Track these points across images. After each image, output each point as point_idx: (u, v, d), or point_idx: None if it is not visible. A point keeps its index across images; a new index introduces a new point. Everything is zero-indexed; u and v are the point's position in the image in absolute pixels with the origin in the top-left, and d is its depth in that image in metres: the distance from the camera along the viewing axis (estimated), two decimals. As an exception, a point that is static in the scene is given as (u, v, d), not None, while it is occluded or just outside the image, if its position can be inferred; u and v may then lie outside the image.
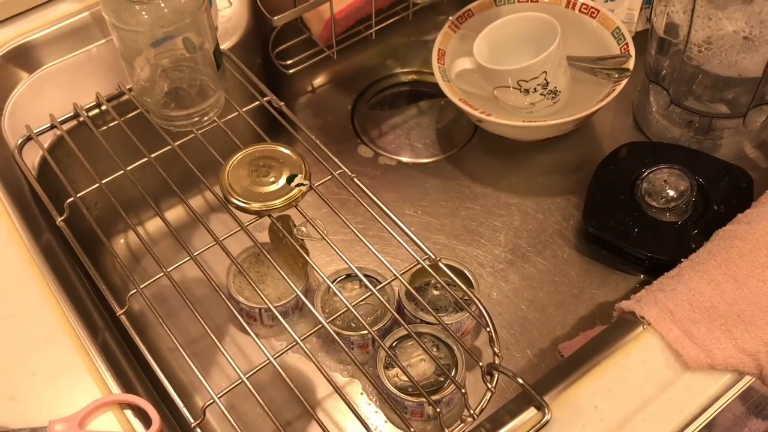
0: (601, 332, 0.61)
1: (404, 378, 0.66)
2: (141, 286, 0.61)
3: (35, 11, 0.82)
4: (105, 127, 0.74)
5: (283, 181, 0.64)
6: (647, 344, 0.59)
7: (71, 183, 0.68)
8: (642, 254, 0.76)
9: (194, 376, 0.56)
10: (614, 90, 0.80)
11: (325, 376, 0.56)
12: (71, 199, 0.66)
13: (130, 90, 0.74)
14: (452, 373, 0.65)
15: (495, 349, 0.57)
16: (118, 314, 0.59)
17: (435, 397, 0.64)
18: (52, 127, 0.73)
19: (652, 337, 0.59)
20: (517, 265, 0.80)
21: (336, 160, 0.68)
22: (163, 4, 0.62)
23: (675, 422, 0.55)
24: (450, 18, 0.90)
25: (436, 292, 0.72)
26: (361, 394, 0.71)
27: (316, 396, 0.71)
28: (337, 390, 0.56)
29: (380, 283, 0.70)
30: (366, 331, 0.67)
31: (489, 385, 0.55)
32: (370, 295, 0.63)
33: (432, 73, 0.86)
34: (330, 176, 0.68)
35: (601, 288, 0.77)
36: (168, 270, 0.61)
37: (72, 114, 0.74)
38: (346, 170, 0.67)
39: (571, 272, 0.79)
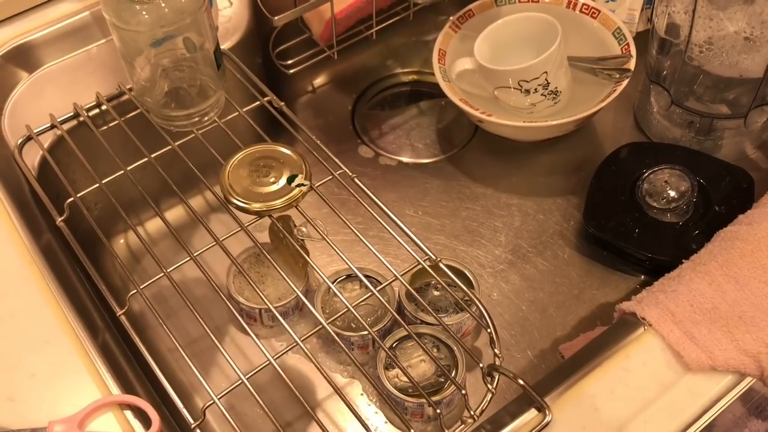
0: (601, 333, 0.61)
1: (404, 379, 0.66)
2: (141, 287, 0.61)
3: (35, 11, 0.82)
4: (105, 127, 0.74)
5: (283, 181, 0.63)
6: (648, 345, 0.59)
7: (71, 183, 0.68)
8: (643, 255, 0.76)
9: (194, 377, 0.56)
10: (615, 90, 0.80)
11: (325, 377, 0.56)
12: (71, 199, 0.66)
13: (130, 90, 0.74)
14: (452, 374, 0.65)
15: (495, 350, 0.57)
16: (118, 315, 0.59)
17: (435, 398, 0.64)
18: (52, 127, 0.73)
19: (653, 338, 0.59)
20: (517, 266, 0.80)
21: (336, 160, 0.68)
22: (163, 4, 0.62)
23: (676, 423, 0.55)
24: (451, 18, 0.90)
25: (436, 293, 0.72)
26: (362, 394, 0.71)
27: (316, 397, 0.71)
28: (337, 391, 0.55)
29: (380, 283, 0.70)
30: (366, 332, 0.67)
31: (489, 386, 0.55)
32: (370, 296, 0.63)
33: (432, 74, 0.86)
34: (330, 176, 0.68)
35: (601, 289, 0.77)
36: (168, 270, 0.61)
37: (72, 114, 0.74)
38: (347, 170, 0.67)
39: (572, 273, 0.79)
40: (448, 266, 0.62)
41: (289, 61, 0.93)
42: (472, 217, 0.84)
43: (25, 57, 0.79)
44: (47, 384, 0.57)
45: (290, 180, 0.63)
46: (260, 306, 0.71)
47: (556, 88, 0.81)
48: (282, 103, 0.74)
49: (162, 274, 0.61)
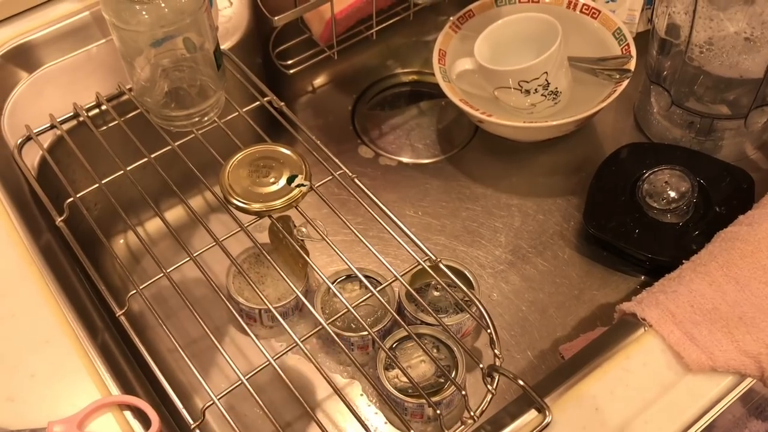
0: (602, 334, 0.61)
1: (404, 379, 0.65)
2: (141, 287, 0.61)
3: (35, 11, 0.82)
4: (105, 127, 0.74)
5: (283, 181, 0.63)
6: (648, 346, 0.59)
7: (71, 183, 0.68)
8: (643, 255, 0.76)
9: (194, 377, 0.56)
10: (615, 91, 0.80)
11: (325, 378, 0.56)
12: (71, 200, 0.66)
13: (130, 90, 0.74)
14: (452, 375, 0.65)
15: (495, 350, 0.57)
16: (117, 315, 0.59)
17: (435, 399, 0.64)
18: (52, 127, 0.73)
19: (654, 338, 0.59)
20: (517, 266, 0.80)
21: (336, 160, 0.68)
22: (163, 4, 0.62)
23: (676, 424, 0.55)
24: (451, 18, 0.90)
25: (436, 293, 0.72)
26: (361, 395, 0.71)
27: (316, 397, 0.71)
28: (337, 391, 0.55)
29: (380, 284, 0.70)
30: (366, 332, 0.67)
31: (489, 387, 0.55)
32: (370, 297, 0.63)
33: (433, 74, 0.86)
34: (330, 177, 0.67)
35: (601, 289, 0.77)
36: (168, 271, 0.61)
37: (72, 114, 0.74)
38: (347, 171, 0.67)
39: (572, 273, 0.79)
40: (448, 267, 0.62)
41: (289, 61, 0.93)
42: (472, 217, 0.84)
43: (24, 57, 0.79)
44: (47, 384, 0.56)
45: (290, 180, 0.63)
46: (260, 306, 0.71)
47: (557, 88, 0.81)
48: (282, 104, 0.74)
49: (162, 274, 0.61)
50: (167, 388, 0.55)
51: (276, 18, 0.79)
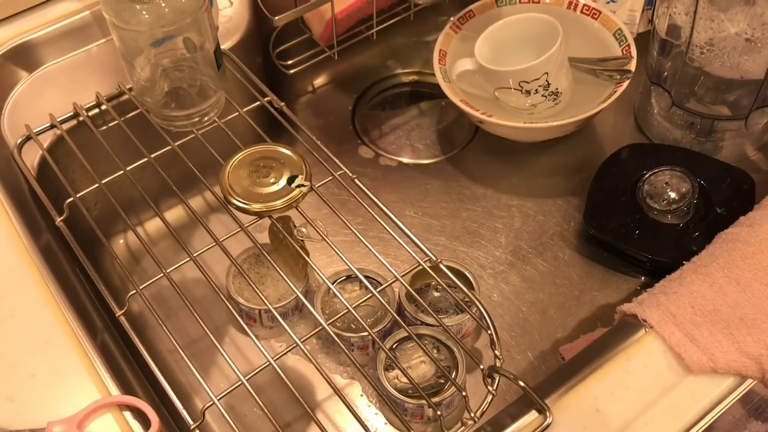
0: (602, 335, 0.61)
1: (404, 380, 0.65)
2: (140, 287, 0.61)
3: (35, 10, 0.81)
4: (105, 127, 0.74)
5: (283, 181, 0.63)
6: (649, 347, 0.59)
7: (71, 183, 0.68)
8: (643, 256, 0.76)
9: (193, 378, 0.56)
10: (616, 91, 0.80)
11: (325, 378, 0.56)
12: (71, 199, 0.66)
13: (130, 90, 0.74)
14: (452, 376, 0.65)
15: (496, 351, 0.57)
16: (117, 315, 0.59)
17: (435, 400, 0.64)
18: (52, 126, 0.73)
19: (654, 340, 0.59)
20: (517, 267, 0.80)
21: (337, 161, 0.68)
22: (163, 4, 0.62)
23: (677, 426, 0.55)
24: (451, 19, 0.90)
25: (436, 294, 0.72)
26: (361, 395, 0.71)
27: (316, 398, 0.71)
28: (337, 392, 0.55)
29: (380, 284, 0.70)
30: (366, 333, 0.67)
31: (490, 388, 0.55)
32: (370, 297, 0.62)
33: (433, 74, 0.86)
34: (331, 177, 0.67)
35: (602, 290, 0.77)
36: (168, 271, 0.61)
37: (72, 113, 0.74)
38: (347, 171, 0.67)
39: (572, 274, 0.79)
40: (448, 267, 0.62)
41: (290, 62, 0.93)
42: (472, 218, 0.84)
43: (24, 56, 0.79)
44: (46, 384, 0.56)
45: (290, 180, 0.63)
46: (260, 307, 0.71)
47: (557, 89, 0.81)
48: (282, 104, 0.74)
49: (162, 274, 0.61)
50: (167, 388, 0.55)
51: (276, 18, 0.79)
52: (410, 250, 0.62)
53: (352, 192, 0.66)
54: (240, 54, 0.80)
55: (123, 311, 0.59)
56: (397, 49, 1.00)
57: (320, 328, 0.60)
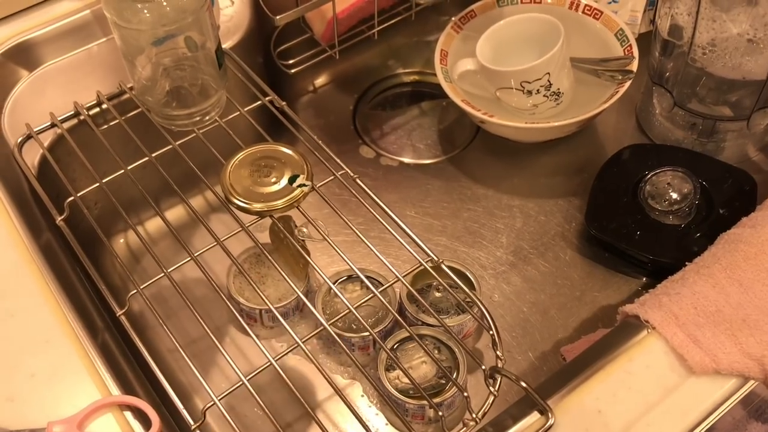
0: (604, 336, 0.61)
1: (405, 380, 0.65)
2: (141, 287, 0.61)
3: (36, 9, 0.81)
4: (106, 126, 0.74)
5: (284, 181, 0.63)
6: (651, 348, 0.58)
7: (71, 182, 0.68)
8: (644, 257, 0.76)
9: (194, 378, 0.56)
10: (617, 92, 0.80)
11: (326, 378, 0.55)
12: (71, 199, 0.66)
13: (131, 89, 0.74)
14: (453, 376, 0.65)
15: (498, 352, 0.57)
16: (117, 315, 0.59)
17: (436, 400, 0.64)
18: (53, 125, 0.73)
19: (657, 341, 0.59)
20: (518, 267, 0.79)
21: (338, 160, 0.68)
22: (165, 3, 0.62)
23: (679, 427, 0.55)
24: (453, 18, 0.89)
25: (437, 294, 0.72)
26: (362, 396, 0.71)
27: (317, 398, 0.71)
28: (338, 392, 0.55)
29: (381, 284, 0.69)
30: (367, 333, 0.67)
31: (492, 389, 0.55)
32: (372, 297, 0.62)
33: (434, 74, 0.86)
34: (332, 177, 0.67)
35: (603, 291, 0.77)
36: (169, 270, 0.61)
37: (72, 112, 0.74)
38: (349, 171, 0.67)
39: (573, 275, 0.78)
40: (449, 267, 0.62)
41: (291, 61, 0.92)
42: (473, 218, 0.84)
43: (25, 55, 0.79)
44: (47, 384, 0.56)
45: (292, 180, 0.63)
46: (261, 306, 0.71)
47: (559, 89, 0.80)
48: (283, 103, 0.73)
49: (162, 274, 0.61)
50: (168, 388, 0.55)
51: (277, 17, 0.79)
52: (412, 250, 0.62)
53: (353, 192, 0.65)
54: (241, 53, 0.80)
55: (124, 311, 0.59)
56: (399, 49, 0.99)
57: (321, 328, 0.60)
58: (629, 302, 0.62)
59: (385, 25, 0.91)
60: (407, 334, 0.66)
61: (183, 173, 0.68)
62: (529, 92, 0.80)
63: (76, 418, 0.54)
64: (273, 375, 0.56)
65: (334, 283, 0.62)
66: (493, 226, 0.83)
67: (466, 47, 0.87)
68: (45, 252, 0.64)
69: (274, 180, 0.63)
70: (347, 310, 0.60)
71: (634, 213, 0.76)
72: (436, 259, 0.62)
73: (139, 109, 0.73)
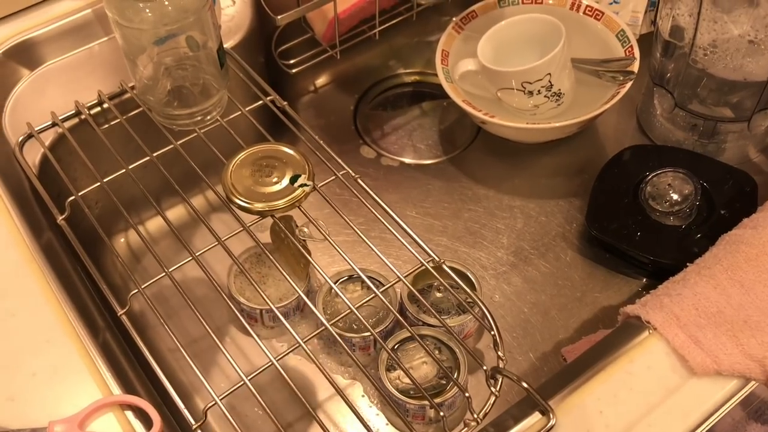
0: (606, 336, 0.61)
1: (406, 380, 0.65)
2: (142, 286, 0.61)
3: (37, 8, 0.81)
4: (107, 126, 0.74)
5: (286, 181, 0.63)
6: (653, 349, 0.58)
7: (72, 181, 0.68)
8: (645, 258, 0.76)
9: (195, 377, 0.56)
10: (618, 93, 0.80)
11: (327, 378, 0.55)
12: (72, 198, 0.66)
13: (132, 88, 0.74)
14: (454, 376, 0.65)
15: (499, 352, 0.57)
16: (119, 314, 0.59)
17: (437, 400, 0.64)
18: (54, 124, 0.73)
19: (658, 342, 0.59)
20: (519, 268, 0.79)
21: (339, 160, 0.68)
22: (166, 2, 0.62)
23: (681, 428, 0.55)
24: (454, 19, 0.89)
25: (438, 295, 0.72)
26: (363, 396, 0.71)
27: (317, 398, 0.71)
28: (340, 392, 0.55)
29: (382, 284, 0.69)
30: (368, 333, 0.67)
31: (493, 389, 0.55)
32: (373, 297, 0.62)
33: (435, 74, 0.86)
34: (333, 177, 0.67)
35: (603, 291, 0.77)
36: (170, 270, 0.61)
37: (74, 112, 0.73)
38: (350, 171, 0.67)
39: (574, 275, 0.78)
40: (450, 268, 0.62)
41: (292, 61, 0.92)
42: (474, 218, 0.84)
43: (26, 54, 0.79)
44: (48, 384, 0.56)
45: (293, 180, 0.63)
46: (261, 306, 0.71)
47: (560, 89, 0.80)
48: (285, 103, 0.73)
49: (163, 273, 0.61)
50: (169, 388, 0.55)
51: (279, 17, 0.79)
52: (413, 251, 0.62)
53: (354, 192, 0.65)
54: (242, 53, 0.80)
55: (125, 310, 0.59)
56: (400, 49, 0.99)
57: (323, 328, 0.60)
58: (630, 303, 0.63)
59: (387, 25, 0.91)
60: (408, 335, 0.66)
61: (184, 173, 0.68)
62: (530, 93, 0.80)
63: (77, 417, 0.54)
64: (273, 375, 0.56)
65: (335, 283, 0.62)
66: (493, 227, 0.83)
67: (467, 47, 0.87)
68: (46, 251, 0.64)
69: (275, 180, 0.63)
70: (348, 310, 0.60)
71: (634, 214, 0.76)
72: (437, 259, 0.62)
73: (141, 109, 0.73)
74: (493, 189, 0.86)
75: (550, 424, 0.53)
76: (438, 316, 0.60)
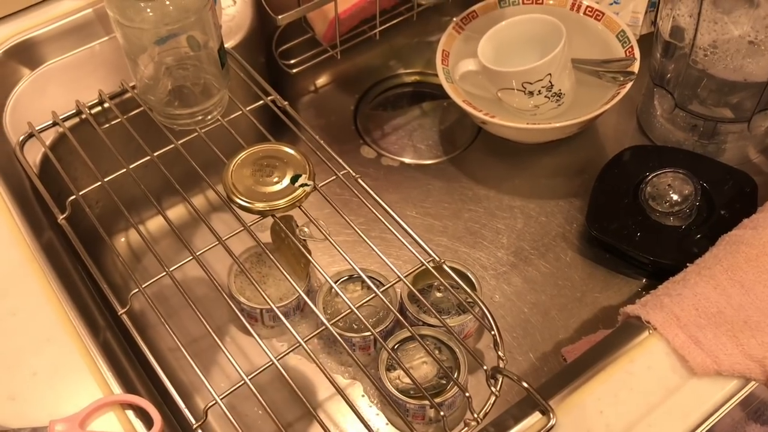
0: (606, 337, 0.61)
1: (406, 380, 0.65)
2: (143, 286, 0.61)
3: (38, 7, 0.81)
4: (107, 125, 0.74)
5: (286, 181, 0.63)
6: (653, 349, 0.58)
7: (73, 180, 0.68)
8: (645, 258, 0.76)
9: (195, 377, 0.56)
10: (619, 93, 0.80)
11: (328, 378, 0.55)
12: (73, 197, 0.66)
13: (133, 88, 0.74)
14: (454, 376, 0.65)
15: (499, 352, 0.57)
16: (119, 313, 0.59)
17: (437, 400, 0.64)
18: (54, 124, 0.73)
19: (658, 342, 0.59)
20: (519, 268, 0.79)
21: (340, 160, 0.68)
22: (168, 2, 0.62)
23: (681, 428, 0.55)
24: (454, 19, 0.89)
25: (438, 295, 0.72)
26: (363, 396, 0.71)
27: (317, 398, 0.71)
28: (340, 392, 0.55)
29: (382, 284, 0.69)
30: (368, 333, 0.67)
31: (493, 389, 0.55)
32: (373, 297, 0.62)
33: (435, 74, 0.86)
34: (334, 177, 0.67)
35: (603, 292, 0.77)
36: (170, 269, 0.61)
37: (74, 111, 0.73)
38: (351, 171, 0.67)
39: (574, 275, 0.78)
40: (450, 268, 0.62)
41: (292, 61, 0.92)
42: (474, 218, 0.84)
43: (27, 54, 0.79)
44: (48, 383, 0.56)
45: (294, 180, 0.63)
46: (262, 306, 0.71)
47: (560, 90, 0.81)
48: (286, 103, 0.73)
49: (164, 273, 0.61)
50: (169, 387, 0.55)
51: (279, 17, 0.79)
52: (413, 250, 0.62)
53: (354, 192, 0.65)
54: (243, 53, 0.80)
55: (125, 309, 0.59)
56: (400, 49, 1.00)
57: (323, 327, 0.60)
58: (630, 303, 0.63)
59: (387, 25, 0.91)
60: (408, 334, 0.66)
61: (185, 172, 0.68)
62: (531, 93, 0.80)
63: (77, 416, 0.54)
64: (274, 374, 0.56)
65: (335, 283, 0.62)
66: (494, 227, 0.83)
67: (468, 48, 0.87)
68: (46, 251, 0.64)
69: (276, 179, 0.63)
70: (348, 310, 0.60)
71: (634, 214, 0.76)
72: (437, 259, 0.62)
73: (141, 108, 0.73)
74: (493, 189, 0.86)
75: (550, 424, 0.53)
76: (438, 315, 0.60)
